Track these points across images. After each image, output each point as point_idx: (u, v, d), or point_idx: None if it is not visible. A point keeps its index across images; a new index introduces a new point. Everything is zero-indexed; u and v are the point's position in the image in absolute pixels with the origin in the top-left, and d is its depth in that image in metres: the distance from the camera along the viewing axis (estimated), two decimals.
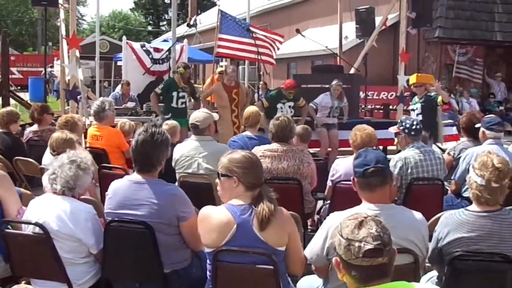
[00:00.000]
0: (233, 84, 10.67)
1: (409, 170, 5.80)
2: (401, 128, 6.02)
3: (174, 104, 10.42)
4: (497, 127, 6.36)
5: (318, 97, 11.12)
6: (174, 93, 10.40)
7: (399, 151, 6.12)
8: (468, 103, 19.03)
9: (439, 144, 10.91)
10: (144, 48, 15.94)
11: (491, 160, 3.62)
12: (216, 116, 6.65)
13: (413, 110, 10.16)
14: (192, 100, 11.16)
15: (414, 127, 5.98)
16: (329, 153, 10.89)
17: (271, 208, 3.46)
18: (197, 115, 6.23)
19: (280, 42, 13.54)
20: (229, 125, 10.47)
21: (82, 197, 4.25)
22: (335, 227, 2.60)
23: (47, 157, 6.37)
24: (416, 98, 10.20)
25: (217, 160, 3.91)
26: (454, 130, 12.97)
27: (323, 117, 11.09)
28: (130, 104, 13.40)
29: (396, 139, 6.58)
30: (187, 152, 6.05)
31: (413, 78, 10.60)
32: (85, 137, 8.05)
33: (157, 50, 16.15)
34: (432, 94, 10.17)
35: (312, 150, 10.86)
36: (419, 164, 5.81)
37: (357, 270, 2.41)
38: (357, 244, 2.40)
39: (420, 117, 9.53)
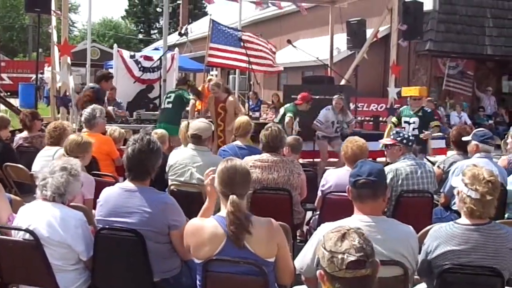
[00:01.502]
0: (222, 98, 10.47)
1: (400, 182, 5.81)
2: (399, 138, 6.05)
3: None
4: (491, 141, 6.45)
5: (320, 114, 11.08)
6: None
7: (387, 164, 6.12)
8: (459, 117, 18.99)
9: (429, 157, 10.91)
10: (134, 59, 15.89)
11: (481, 173, 3.63)
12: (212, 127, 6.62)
13: (408, 123, 9.99)
14: None
15: (411, 137, 6.13)
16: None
17: (233, 229, 3.42)
18: (199, 126, 6.14)
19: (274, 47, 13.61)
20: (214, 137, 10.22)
21: (72, 203, 4.25)
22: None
23: (37, 163, 6.36)
24: (409, 111, 10.04)
25: None
26: (443, 143, 13.01)
27: (324, 129, 11.12)
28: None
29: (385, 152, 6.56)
30: (182, 160, 6.01)
31: (414, 91, 10.42)
32: None
33: (147, 58, 16.13)
34: (428, 110, 10.17)
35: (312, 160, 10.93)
36: (410, 176, 5.82)
37: (340, 282, 2.45)
38: (340, 256, 2.44)
39: (416, 132, 9.49)
